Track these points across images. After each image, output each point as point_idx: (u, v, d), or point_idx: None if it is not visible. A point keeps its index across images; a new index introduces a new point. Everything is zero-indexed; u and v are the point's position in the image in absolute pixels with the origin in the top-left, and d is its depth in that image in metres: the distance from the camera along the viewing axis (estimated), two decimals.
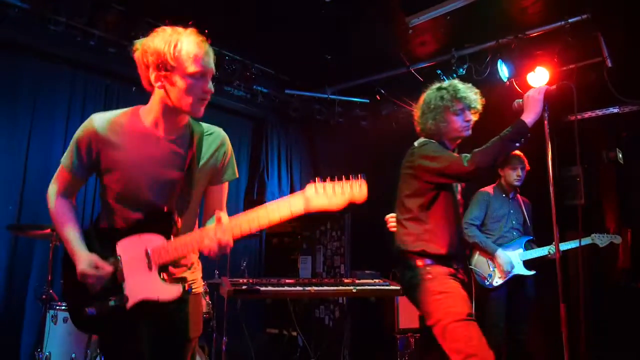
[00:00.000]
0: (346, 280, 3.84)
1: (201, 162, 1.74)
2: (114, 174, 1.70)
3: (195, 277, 1.84)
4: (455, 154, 2.31)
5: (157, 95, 1.70)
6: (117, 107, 4.65)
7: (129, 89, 4.49)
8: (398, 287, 3.74)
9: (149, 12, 4.09)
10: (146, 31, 4.25)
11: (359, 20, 4.21)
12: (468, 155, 2.21)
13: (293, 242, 5.38)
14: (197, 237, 1.63)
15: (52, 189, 1.80)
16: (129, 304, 1.65)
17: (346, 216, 4.79)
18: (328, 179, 1.58)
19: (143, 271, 1.66)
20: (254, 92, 5.17)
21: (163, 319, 1.71)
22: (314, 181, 1.56)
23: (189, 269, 1.83)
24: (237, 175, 1.89)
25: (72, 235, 1.72)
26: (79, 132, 1.72)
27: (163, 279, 1.67)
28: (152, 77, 1.65)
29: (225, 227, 1.57)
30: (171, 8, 4.09)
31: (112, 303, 1.64)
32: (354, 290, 3.65)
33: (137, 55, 1.69)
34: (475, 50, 4.56)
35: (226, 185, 1.87)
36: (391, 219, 2.54)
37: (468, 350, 2.06)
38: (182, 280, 1.74)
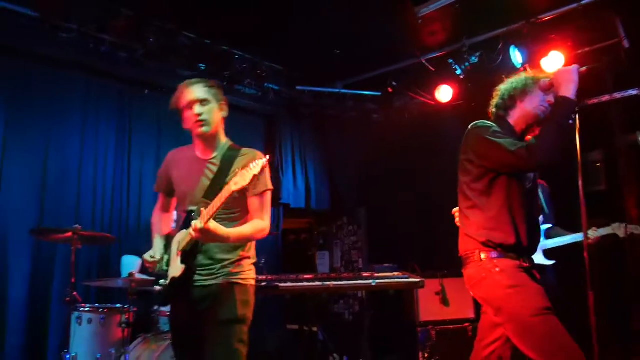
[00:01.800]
0: (365, 274, 3.83)
1: (228, 178, 2.10)
2: (175, 190, 2.29)
3: (238, 270, 2.16)
4: (514, 141, 2.06)
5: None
6: (130, 111, 4.68)
7: (141, 92, 4.54)
8: (418, 280, 3.73)
9: (158, 15, 4.12)
10: (156, 35, 4.31)
11: (367, 12, 4.18)
12: (524, 143, 2.02)
13: (310, 238, 5.39)
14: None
15: (156, 206, 2.43)
16: (168, 282, 2.15)
17: (362, 210, 4.78)
18: None
19: (175, 258, 2.16)
20: (265, 90, 5.17)
21: (197, 301, 2.10)
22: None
23: (232, 264, 2.15)
24: (269, 187, 2.22)
25: (153, 236, 2.33)
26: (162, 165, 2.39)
27: (179, 261, 2.12)
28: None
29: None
30: (180, 9, 4.13)
31: (161, 282, 2.18)
32: (373, 284, 3.63)
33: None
34: (486, 38, 4.50)
35: (265, 195, 2.20)
36: (457, 212, 2.34)
37: (551, 348, 1.87)
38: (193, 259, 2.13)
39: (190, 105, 2.17)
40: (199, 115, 2.15)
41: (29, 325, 3.74)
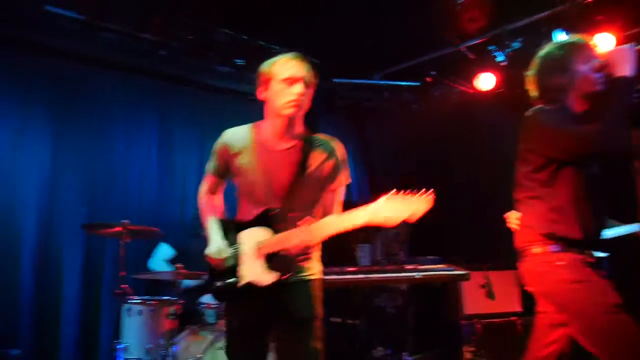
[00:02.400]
0: (408, 267, 3.79)
1: (309, 170, 2.00)
2: (239, 177, 2.08)
3: (308, 266, 2.04)
4: (579, 126, 1.94)
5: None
6: (173, 108, 4.78)
7: (180, 89, 4.62)
8: (464, 272, 3.65)
9: (194, 11, 4.17)
10: (193, 32, 4.35)
11: (404, 0, 4.10)
12: (591, 128, 1.88)
13: (350, 231, 5.33)
14: (290, 235, 1.89)
15: (202, 188, 2.21)
16: (240, 284, 1.98)
17: None
18: (395, 191, 1.73)
19: (252, 258, 1.97)
20: None
21: (270, 299, 1.96)
22: (383, 194, 1.73)
23: (306, 259, 2.01)
24: (348, 181, 2.10)
25: (210, 225, 2.11)
26: (215, 144, 2.12)
27: (265, 267, 1.94)
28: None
29: (304, 230, 1.85)
30: (216, 5, 4.16)
31: (229, 281, 2.01)
32: (418, 277, 3.59)
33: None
34: (528, 22, 4.34)
35: (339, 190, 2.08)
36: (511, 216, 2.19)
37: (623, 349, 1.74)
38: (289, 267, 1.95)
39: (292, 81, 1.95)
40: (300, 94, 1.94)
41: (82, 316, 3.89)
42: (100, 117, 4.17)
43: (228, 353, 2.11)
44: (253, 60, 4.66)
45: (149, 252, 4.05)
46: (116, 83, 4.31)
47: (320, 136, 2.10)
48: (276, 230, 1.95)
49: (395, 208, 1.69)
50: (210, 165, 2.16)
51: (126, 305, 3.37)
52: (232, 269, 2.01)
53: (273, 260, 1.94)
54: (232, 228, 2.08)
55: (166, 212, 4.32)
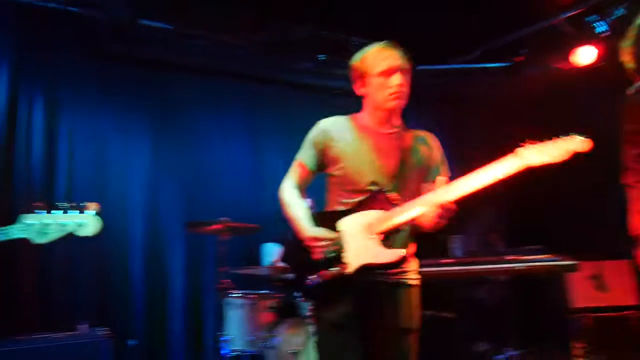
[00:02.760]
0: (508, 257, 3.58)
1: (414, 157, 1.93)
2: (338, 164, 1.94)
3: (411, 268, 1.90)
4: None
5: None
6: (260, 106, 4.87)
7: (266, 88, 4.73)
8: (571, 262, 3.39)
9: (274, 10, 4.23)
10: (274, 30, 4.42)
11: None
12: None
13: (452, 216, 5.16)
14: (417, 204, 1.75)
15: (287, 183, 2.07)
16: (351, 269, 1.80)
17: (499, 190, 4.47)
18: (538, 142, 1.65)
19: (363, 240, 1.81)
20: None
21: (367, 298, 1.83)
22: (523, 145, 1.66)
23: (409, 260, 1.90)
24: (448, 175, 1.96)
25: (300, 214, 1.94)
26: (311, 132, 2.03)
27: (382, 245, 1.79)
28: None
29: (445, 189, 1.70)
30: (294, 3, 4.19)
31: (334, 269, 1.82)
32: (520, 267, 3.39)
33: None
34: None
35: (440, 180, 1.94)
36: None
37: None
38: (406, 244, 1.87)
39: (391, 71, 1.88)
40: (400, 85, 1.88)
41: (187, 309, 4.14)
42: (193, 120, 4.40)
43: (320, 349, 1.95)
44: (335, 54, 4.67)
45: (244, 247, 4.20)
46: (206, 86, 4.51)
47: (416, 131, 2.04)
48: (385, 210, 1.83)
49: (545, 151, 1.61)
50: (304, 156, 2.02)
51: (227, 299, 3.51)
52: (331, 258, 1.84)
53: (389, 237, 1.82)
54: (326, 219, 1.91)
55: (261, 209, 4.46)
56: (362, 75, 1.94)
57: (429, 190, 1.79)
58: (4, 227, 1.65)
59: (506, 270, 3.58)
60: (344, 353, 1.85)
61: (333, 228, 1.87)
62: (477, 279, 4.24)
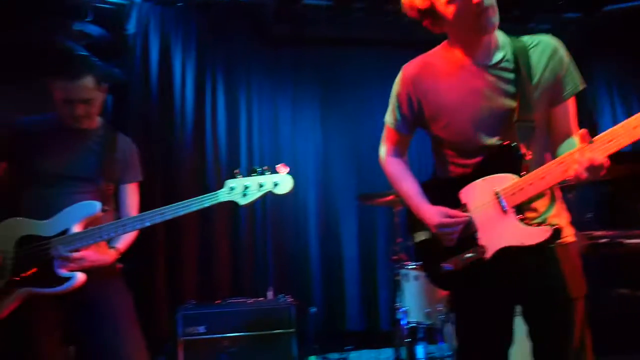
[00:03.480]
0: None
1: (534, 80, 1.52)
2: (440, 120, 1.61)
3: (560, 223, 1.53)
4: None
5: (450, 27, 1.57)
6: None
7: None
8: None
9: None
10: None
11: None
12: None
13: (635, 188, 4.40)
14: (558, 165, 1.42)
15: (382, 151, 1.85)
16: (488, 254, 1.51)
17: None
18: None
19: (497, 217, 1.50)
20: (563, 21, 4.44)
21: (515, 272, 1.52)
22: None
23: (547, 211, 1.56)
24: (583, 86, 1.56)
25: (412, 191, 1.69)
26: (395, 87, 1.72)
27: (523, 222, 1.49)
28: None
29: (595, 143, 1.35)
30: None
31: (469, 255, 1.53)
32: None
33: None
34: None
35: (571, 102, 1.57)
36: None
37: None
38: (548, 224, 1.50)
39: None
40: (490, 4, 1.44)
41: (361, 279, 4.25)
42: (359, 92, 4.42)
43: (461, 337, 1.70)
44: (504, 4, 4.22)
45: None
46: (367, 58, 4.48)
47: (526, 37, 1.57)
48: (517, 171, 1.48)
49: None
50: (392, 117, 1.73)
51: (402, 271, 3.47)
52: (463, 241, 1.54)
53: (527, 206, 1.50)
54: (438, 190, 1.64)
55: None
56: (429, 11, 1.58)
57: (564, 134, 1.50)
58: (213, 193, 1.83)
59: None
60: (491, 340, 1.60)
61: (453, 201, 1.57)
62: None
